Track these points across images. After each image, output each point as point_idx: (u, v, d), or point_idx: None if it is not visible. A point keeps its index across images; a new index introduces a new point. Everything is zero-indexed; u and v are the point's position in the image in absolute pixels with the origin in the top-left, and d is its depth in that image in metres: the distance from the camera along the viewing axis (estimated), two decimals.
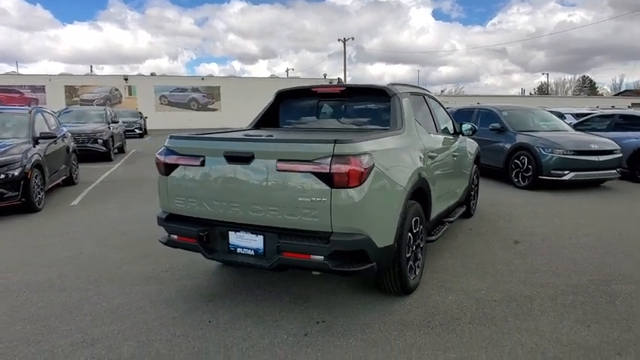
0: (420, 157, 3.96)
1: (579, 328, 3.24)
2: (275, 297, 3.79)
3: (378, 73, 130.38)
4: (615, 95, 64.84)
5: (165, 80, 41.53)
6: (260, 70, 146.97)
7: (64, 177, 9.10)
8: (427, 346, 3.01)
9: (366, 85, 4.51)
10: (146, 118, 29.78)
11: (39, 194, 7.26)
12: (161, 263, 4.62)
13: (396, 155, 3.53)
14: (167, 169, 3.56)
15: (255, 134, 3.70)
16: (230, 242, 3.41)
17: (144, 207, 7.36)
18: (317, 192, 3.01)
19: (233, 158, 3.26)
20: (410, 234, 3.62)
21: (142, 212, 6.95)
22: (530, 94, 76.52)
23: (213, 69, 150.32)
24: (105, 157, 13.72)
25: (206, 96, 41.26)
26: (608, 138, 9.20)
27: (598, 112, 13.16)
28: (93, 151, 13.34)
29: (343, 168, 2.95)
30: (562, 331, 3.22)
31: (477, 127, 5.80)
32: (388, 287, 3.65)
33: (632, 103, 45.47)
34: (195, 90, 40.98)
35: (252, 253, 3.33)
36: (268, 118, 4.76)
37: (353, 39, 49.09)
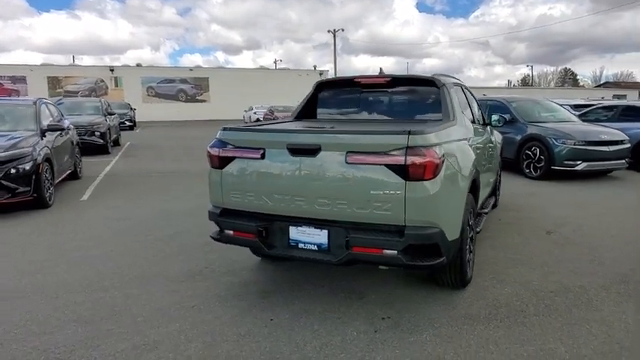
0: (471, 148, 3.91)
1: None
2: (328, 292, 3.70)
3: (364, 65, 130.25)
4: (596, 87, 65.87)
5: (152, 71, 40.82)
6: (245, 61, 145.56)
7: (69, 171, 8.83)
8: (502, 340, 2.96)
9: (413, 76, 4.42)
10: (134, 109, 29.22)
11: (49, 189, 7.02)
12: (197, 259, 4.49)
13: (458, 146, 3.46)
14: (221, 162, 3.43)
15: (318, 126, 3.57)
16: (290, 237, 3.30)
17: (159, 202, 7.20)
18: (390, 185, 2.92)
19: (298, 150, 3.14)
20: (467, 226, 3.57)
21: (159, 207, 6.79)
22: (514, 85, 77.30)
23: (196, 60, 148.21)
24: (102, 150, 13.39)
25: (194, 87, 40.71)
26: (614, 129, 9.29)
27: (599, 103, 13.29)
28: (90, 144, 12.98)
29: (419, 160, 2.86)
30: (627, 320, 3.21)
31: (506, 118, 5.76)
32: (447, 280, 3.60)
33: (614, 95, 46.21)
34: (184, 81, 40.40)
35: (316, 248, 3.23)
36: (308, 110, 4.64)
37: (343, 30, 48.85)
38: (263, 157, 3.26)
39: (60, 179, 8.03)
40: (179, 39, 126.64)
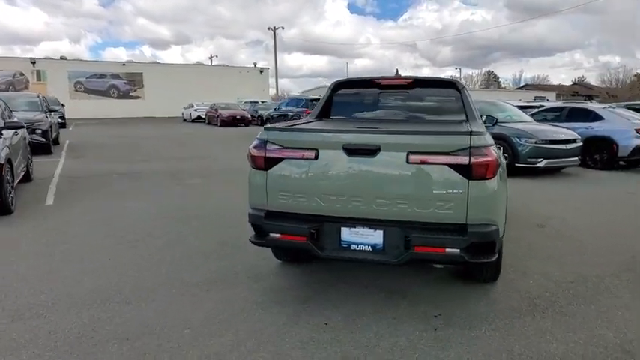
0: None
1: None
2: (370, 292, 3.69)
3: (297, 63, 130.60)
4: (517, 89, 70.59)
5: (80, 65, 38.27)
6: (173, 56, 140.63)
7: (22, 173, 8.10)
8: (554, 329, 3.11)
9: (434, 78, 4.52)
10: (63, 106, 27.28)
11: (10, 193, 6.40)
12: (208, 265, 4.31)
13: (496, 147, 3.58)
14: (267, 163, 3.31)
15: (371, 127, 3.52)
16: (342, 239, 3.26)
17: (136, 204, 6.80)
18: (453, 184, 2.97)
19: (355, 151, 3.10)
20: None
21: (138, 210, 6.41)
22: None
23: (121, 54, 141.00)
24: (44, 150, 12.34)
25: (128, 83, 38.67)
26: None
27: (545, 104, 14.28)
28: (31, 143, 11.95)
29: (482, 160, 2.94)
30: (635, 304, 3.49)
31: (496, 120, 6.03)
32: (485, 275, 3.72)
33: (535, 96, 49.69)
34: (116, 76, 38.24)
35: (370, 248, 3.21)
36: (327, 110, 4.59)
37: (283, 28, 48.50)
38: (316, 157, 3.18)
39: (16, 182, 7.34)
40: (102, 32, 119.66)
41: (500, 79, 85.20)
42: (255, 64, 52.97)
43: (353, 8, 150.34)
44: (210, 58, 65.25)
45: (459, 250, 3.01)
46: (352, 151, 3.11)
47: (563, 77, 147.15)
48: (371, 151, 3.08)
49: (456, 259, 3.07)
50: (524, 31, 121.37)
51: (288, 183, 3.28)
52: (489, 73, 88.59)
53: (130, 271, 4.15)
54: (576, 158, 9.43)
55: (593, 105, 12.71)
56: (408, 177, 3.05)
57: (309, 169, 3.23)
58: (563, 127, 10.09)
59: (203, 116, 32.54)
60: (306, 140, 3.25)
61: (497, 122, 5.90)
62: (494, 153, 3.01)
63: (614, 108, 11.46)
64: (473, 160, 2.93)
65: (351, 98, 4.69)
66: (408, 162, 3.01)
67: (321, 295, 3.65)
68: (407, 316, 3.31)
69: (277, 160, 3.29)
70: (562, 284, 3.88)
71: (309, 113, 17.54)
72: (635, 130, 9.79)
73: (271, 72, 50.22)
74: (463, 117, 4.18)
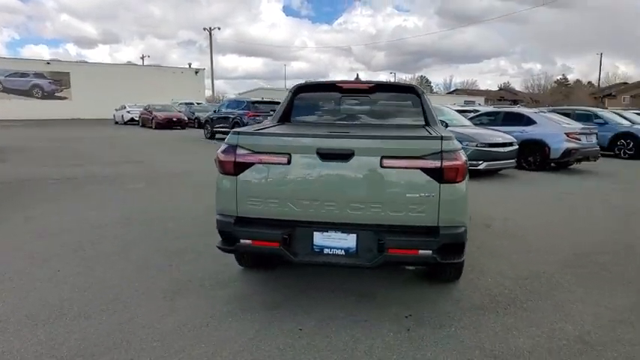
0: None
1: (609, 294, 3.81)
2: (339, 296, 3.69)
3: (232, 65, 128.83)
4: (448, 93, 73.93)
5: None
6: (101, 55, 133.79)
7: None
8: (518, 325, 3.27)
9: (394, 83, 4.60)
10: None
11: None
12: (169, 273, 4.13)
13: None
14: (237, 168, 3.21)
15: (338, 131, 3.51)
16: (314, 243, 3.23)
17: (81, 211, 6.39)
18: (426, 187, 3.04)
19: (329, 156, 3.09)
20: None
21: (85, 217, 6.03)
22: None
23: (41, 52, 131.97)
24: None
25: (53, 83, 36.25)
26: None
27: (480, 108, 15.04)
28: None
29: (452, 163, 3.03)
30: (598, 298, 3.75)
31: (446, 124, 6.27)
32: (449, 275, 3.83)
33: (465, 101, 52.27)
34: (40, 75, 35.71)
35: (343, 252, 3.21)
36: (288, 114, 4.54)
37: (219, 29, 47.56)
38: (289, 162, 3.14)
39: None
40: (20, 27, 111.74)
41: (432, 84, 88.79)
42: (190, 65, 51.69)
43: (288, 11, 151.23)
44: (142, 58, 62.91)
45: (431, 251, 3.08)
46: (326, 155, 3.10)
47: (489, 83, 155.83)
48: (345, 156, 3.08)
49: (428, 261, 3.14)
50: (454, 38, 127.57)
51: (260, 188, 3.21)
52: (422, 77, 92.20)
53: (82, 283, 3.89)
54: (513, 160, 10.00)
55: (526, 110, 13.54)
56: (381, 181, 3.08)
57: (281, 173, 3.17)
58: (500, 131, 10.67)
59: (137, 118, 31.25)
60: (279, 145, 3.20)
61: (447, 126, 6.13)
62: (463, 157, 3.12)
63: (544, 113, 12.30)
64: (444, 163, 3.02)
65: (312, 102, 4.68)
66: (381, 166, 3.05)
67: (290, 301, 3.60)
68: (379, 318, 3.34)
69: (247, 165, 3.21)
70: (517, 281, 4.08)
71: (251, 116, 17.42)
72: (566, 133, 10.56)
73: (206, 73, 49.11)
74: (423, 121, 4.30)
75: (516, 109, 15.04)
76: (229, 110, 18.86)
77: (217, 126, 19.61)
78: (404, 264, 3.39)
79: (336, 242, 3.21)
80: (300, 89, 4.62)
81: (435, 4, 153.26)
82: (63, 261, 4.42)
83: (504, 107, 16.56)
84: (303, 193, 3.15)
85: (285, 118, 4.52)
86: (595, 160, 11.34)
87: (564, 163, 10.93)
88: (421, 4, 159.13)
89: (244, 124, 17.51)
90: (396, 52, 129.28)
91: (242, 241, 3.27)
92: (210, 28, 47.30)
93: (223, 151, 3.27)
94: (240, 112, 18.03)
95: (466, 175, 3.14)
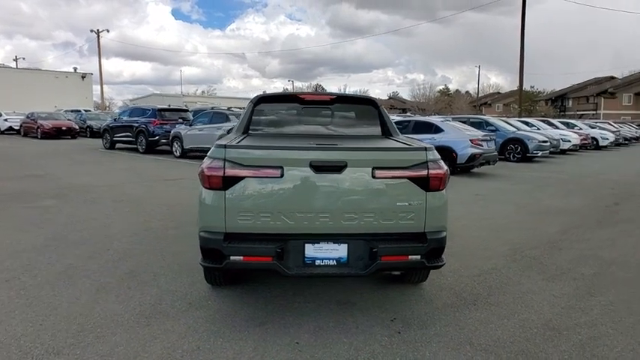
0: None
1: (551, 284, 4.31)
2: (320, 307, 3.72)
3: (116, 69, 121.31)
4: None
5: None
6: None
7: None
8: (492, 318, 3.56)
9: (354, 95, 4.73)
10: None
11: None
12: (136, 297, 3.86)
13: None
14: (225, 182, 3.11)
15: (329, 143, 3.52)
16: (306, 255, 3.24)
17: (15, 234, 5.65)
18: (414, 196, 3.21)
19: (322, 168, 3.13)
20: None
21: (8, 241, 5.36)
22: None
23: None
24: None
25: None
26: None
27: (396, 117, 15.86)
28: None
29: (437, 172, 3.24)
30: (544, 288, 4.21)
31: None
32: (418, 278, 4.05)
33: None
34: None
35: (335, 263, 3.26)
36: (249, 126, 4.45)
37: (108, 31, 44.31)
38: (282, 175, 3.12)
39: None
40: None
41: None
42: (75, 69, 47.76)
43: (178, 14, 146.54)
44: (16, 59, 56.64)
45: (419, 256, 3.26)
46: (319, 167, 3.13)
47: (378, 92, 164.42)
48: (338, 168, 3.14)
49: (417, 265, 3.31)
50: (345, 48, 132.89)
51: (251, 202, 3.15)
52: (317, 86, 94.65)
53: (34, 316, 3.47)
54: None
55: (435, 119, 14.57)
56: (373, 191, 3.19)
57: (274, 187, 3.14)
58: (415, 139, 11.38)
59: (17, 127, 28.16)
60: (271, 157, 3.16)
61: None
62: (444, 166, 3.34)
63: (450, 121, 13.37)
64: (430, 172, 3.21)
65: (273, 113, 4.66)
66: (373, 177, 3.16)
67: (275, 316, 3.55)
68: (367, 324, 3.43)
69: (237, 179, 3.12)
70: (474, 278, 4.43)
71: (158, 124, 16.58)
72: (470, 140, 11.58)
73: (98, 77, 45.65)
74: (383, 132, 4.51)
75: (426, 118, 16.15)
76: (133, 118, 17.76)
77: (118, 135, 18.39)
78: (394, 270, 3.53)
79: (328, 253, 3.25)
80: (260, 100, 4.58)
81: (326, 15, 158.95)
82: (5, 289, 3.91)
83: (415, 117, 17.71)
84: (297, 206, 3.15)
85: (247, 130, 4.44)
86: (494, 164, 12.59)
87: (469, 167, 11.98)
88: (313, 14, 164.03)
89: (151, 134, 16.68)
90: (290, 60, 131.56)
91: (232, 257, 3.16)
92: (97, 31, 44.05)
93: (210, 166, 3.15)
94: (146, 120, 17.08)
95: (447, 183, 3.37)
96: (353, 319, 3.51)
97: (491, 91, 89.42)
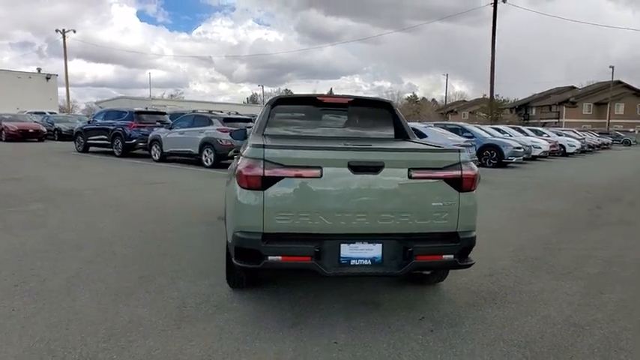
0: None
1: (560, 283, 4.47)
2: (347, 307, 3.73)
3: (78, 71, 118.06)
4: None
5: None
6: None
7: None
8: (516, 315, 3.67)
9: (370, 98, 4.79)
10: None
11: None
12: (156, 301, 3.78)
13: None
14: (264, 182, 3.10)
15: (365, 144, 3.55)
16: (342, 255, 3.26)
17: (10, 238, 5.43)
18: (448, 196, 3.29)
19: (360, 168, 3.16)
20: None
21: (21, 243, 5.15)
22: (244, 102, 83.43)
23: None
24: None
25: None
26: None
27: None
28: None
29: (469, 173, 3.33)
30: (555, 287, 4.37)
31: None
32: (438, 277, 4.13)
33: None
34: None
35: (369, 262, 3.29)
36: (265, 127, 4.45)
37: (75, 31, 42.91)
38: (321, 175, 3.13)
39: None
40: None
41: None
42: (39, 70, 46.16)
43: (143, 17, 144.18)
44: None
45: (452, 255, 3.33)
46: (357, 168, 3.17)
47: None
48: (376, 168, 3.19)
49: (449, 265, 3.39)
50: (313, 54, 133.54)
51: (290, 203, 3.15)
52: (287, 91, 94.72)
53: (56, 321, 3.35)
54: None
55: (418, 125, 14.76)
56: (410, 191, 3.25)
57: (312, 187, 3.15)
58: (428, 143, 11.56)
59: None
60: (310, 158, 3.17)
61: None
62: (475, 167, 3.43)
63: (432, 127, 13.63)
64: (463, 173, 3.30)
65: (289, 115, 4.67)
66: (409, 177, 3.22)
67: (304, 318, 3.55)
68: (397, 323, 3.48)
69: (276, 179, 3.12)
70: (486, 279, 4.54)
71: (135, 127, 16.22)
72: (454, 145, 11.83)
73: (64, 78, 44.23)
74: (398, 134, 4.59)
75: (410, 124, 16.41)
76: (108, 121, 17.31)
77: (92, 138, 17.87)
78: (428, 269, 3.58)
79: (363, 253, 3.28)
80: (278, 101, 4.58)
81: (295, 21, 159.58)
82: (10, 298, 3.75)
83: None
84: (335, 206, 3.18)
85: (263, 132, 4.44)
86: None
87: None
88: (281, 19, 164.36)
89: (127, 136, 16.32)
90: (258, 64, 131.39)
91: (270, 258, 3.15)
92: (63, 30, 42.75)
93: (249, 165, 3.13)
94: (122, 122, 16.67)
95: (477, 184, 3.46)
96: (383, 319, 3.55)
97: (456, 99, 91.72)
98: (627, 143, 46.25)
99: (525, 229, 6.83)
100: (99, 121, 18.08)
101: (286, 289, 4.05)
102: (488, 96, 43.19)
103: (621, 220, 7.85)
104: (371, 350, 3.07)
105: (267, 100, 4.65)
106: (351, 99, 4.64)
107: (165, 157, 15.27)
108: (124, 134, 16.41)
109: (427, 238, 3.31)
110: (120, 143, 16.47)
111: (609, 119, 58.08)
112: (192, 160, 14.70)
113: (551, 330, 3.44)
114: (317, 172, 3.12)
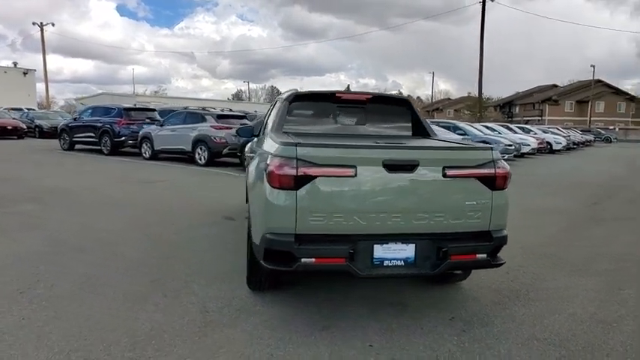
0: None
1: (576, 279, 4.46)
2: (376, 309, 3.65)
3: (55, 66, 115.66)
4: None
5: None
6: None
7: None
8: (543, 313, 3.64)
9: (389, 95, 4.70)
10: None
11: None
12: (174, 306, 3.65)
13: None
14: (297, 182, 3.00)
15: (397, 142, 3.46)
16: (375, 256, 3.18)
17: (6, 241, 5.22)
18: (481, 195, 3.23)
19: (395, 167, 3.08)
20: None
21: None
22: (228, 99, 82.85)
23: None
24: None
25: None
26: None
27: None
28: None
29: (502, 172, 3.27)
30: (573, 284, 4.35)
31: None
32: (459, 277, 4.07)
33: None
34: None
35: (402, 263, 3.22)
36: (284, 123, 4.33)
37: (53, 25, 41.71)
38: (355, 174, 3.04)
39: None
40: None
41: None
42: (15, 64, 44.97)
43: (123, 11, 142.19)
44: None
45: (486, 254, 3.28)
46: (392, 166, 3.08)
47: None
48: (410, 167, 3.11)
49: (483, 264, 3.33)
50: (299, 51, 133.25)
51: (324, 203, 3.05)
52: (272, 88, 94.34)
53: (73, 330, 3.21)
54: None
55: None
56: (444, 190, 3.18)
57: (347, 186, 3.06)
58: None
59: None
60: (344, 156, 3.08)
61: None
62: (507, 165, 3.38)
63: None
64: (497, 172, 3.24)
65: (308, 111, 4.57)
66: (444, 176, 3.15)
67: (333, 320, 3.45)
68: (429, 324, 3.41)
69: (309, 179, 3.02)
70: (505, 276, 4.49)
71: (124, 124, 15.88)
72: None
73: (42, 72, 43.12)
74: (417, 132, 4.52)
75: None
76: (95, 118, 16.91)
77: (79, 136, 17.44)
78: (462, 269, 3.53)
79: (396, 253, 3.21)
80: (297, 97, 4.47)
81: (279, 17, 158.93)
82: (17, 305, 3.57)
83: None
84: (370, 206, 3.09)
85: (281, 128, 4.32)
86: None
87: None
88: (265, 15, 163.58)
89: (116, 134, 16.00)
90: (242, 60, 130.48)
91: (304, 260, 3.05)
92: (41, 23, 41.62)
93: (281, 164, 3.02)
94: (110, 120, 16.30)
95: (509, 183, 3.40)
96: (413, 320, 3.48)
97: (441, 97, 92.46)
98: (608, 140, 47.15)
99: (531, 225, 6.83)
100: (85, 118, 17.65)
101: (310, 292, 3.96)
102: (472, 94, 43.70)
103: (622, 216, 7.94)
104: (408, 353, 3.00)
105: (283, 97, 4.52)
106: (369, 96, 4.56)
107: (156, 155, 14.98)
108: (112, 132, 16.04)
109: (460, 238, 3.25)
110: (108, 141, 16.11)
111: (590, 117, 59.16)
112: (184, 158, 14.47)
113: (580, 327, 3.42)
114: (351, 171, 3.03)
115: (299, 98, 4.48)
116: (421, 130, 4.59)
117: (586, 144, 34.87)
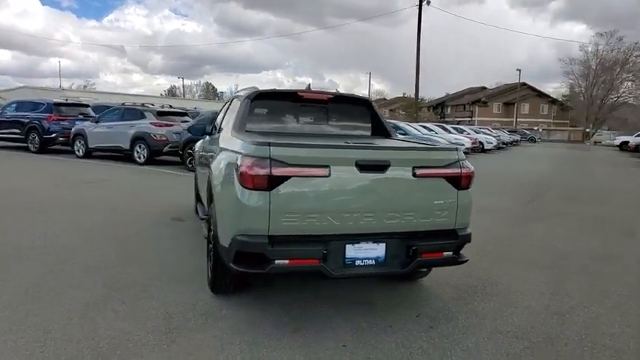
0: None
1: (528, 274, 4.72)
2: (344, 309, 3.65)
3: None
4: None
5: None
6: None
7: None
8: (503, 308, 3.80)
9: (350, 95, 4.71)
10: None
11: None
12: (137, 313, 3.47)
13: None
14: (271, 182, 2.94)
15: (368, 142, 3.45)
16: (347, 256, 3.19)
17: None
18: (448, 194, 3.33)
19: (367, 167, 3.10)
20: None
21: None
22: (161, 94, 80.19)
23: None
24: None
25: None
26: None
27: None
28: None
29: (467, 171, 3.39)
30: (519, 277, 4.61)
31: None
32: (420, 275, 4.18)
33: None
34: None
35: (373, 262, 3.25)
36: (245, 122, 4.22)
37: None
38: (329, 174, 3.03)
39: None
40: None
41: (218, 91, 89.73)
42: None
43: (45, 0, 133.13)
44: None
45: (452, 252, 3.38)
46: (364, 166, 3.10)
47: None
48: (382, 167, 3.14)
49: (449, 262, 3.43)
50: (235, 48, 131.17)
51: (297, 203, 3.01)
52: (208, 84, 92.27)
53: (31, 345, 2.95)
54: None
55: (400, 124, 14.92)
56: (414, 190, 3.25)
57: (320, 187, 3.04)
58: None
59: None
60: (318, 156, 3.05)
61: None
62: (471, 165, 3.50)
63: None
64: (462, 171, 3.35)
65: (269, 110, 4.48)
66: (414, 176, 3.21)
67: (303, 322, 3.42)
68: (397, 322, 3.46)
69: (283, 179, 2.97)
70: (461, 272, 4.65)
71: (54, 120, 14.90)
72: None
73: None
74: (378, 132, 4.58)
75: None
76: (21, 113, 15.72)
77: (2, 132, 16.14)
78: (430, 267, 3.60)
79: (367, 253, 3.23)
80: (258, 96, 4.37)
81: (214, 13, 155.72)
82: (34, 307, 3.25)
83: None
84: (344, 206, 3.09)
85: (243, 127, 4.22)
86: None
87: None
88: (199, 10, 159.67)
89: (46, 131, 15.00)
90: (175, 56, 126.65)
91: (277, 262, 2.99)
92: None
93: (253, 164, 2.94)
94: (39, 115, 15.21)
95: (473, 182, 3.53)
96: (382, 319, 3.52)
97: (376, 97, 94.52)
98: (532, 140, 50.46)
99: (475, 224, 7.12)
100: (9, 113, 16.34)
101: (275, 293, 3.90)
102: (407, 95, 45.04)
103: (557, 212, 8.49)
104: (381, 351, 3.03)
105: (243, 95, 4.39)
106: (331, 95, 4.56)
107: (90, 154, 14.18)
108: (41, 128, 14.98)
109: (428, 236, 3.33)
110: (36, 138, 15.02)
111: (516, 118, 62.94)
112: (121, 156, 13.79)
113: (537, 319, 3.61)
114: (325, 171, 3.02)
115: (261, 97, 4.40)
116: (382, 130, 4.67)
117: (513, 144, 37.09)
